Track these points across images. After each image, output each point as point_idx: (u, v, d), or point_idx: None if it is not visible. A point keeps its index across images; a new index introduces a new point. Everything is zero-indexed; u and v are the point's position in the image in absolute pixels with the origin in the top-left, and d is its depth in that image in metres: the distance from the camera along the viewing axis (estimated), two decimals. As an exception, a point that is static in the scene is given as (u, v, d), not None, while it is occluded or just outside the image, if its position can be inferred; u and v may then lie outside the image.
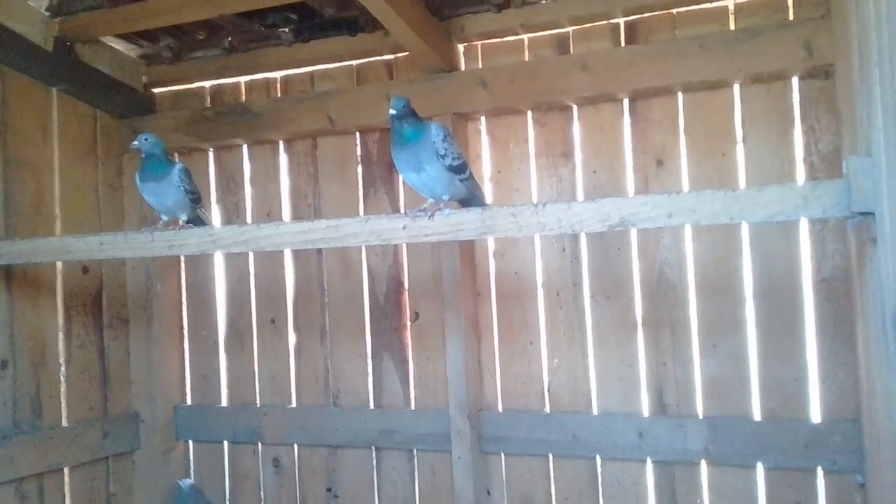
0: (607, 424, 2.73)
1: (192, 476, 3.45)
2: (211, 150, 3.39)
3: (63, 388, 3.11)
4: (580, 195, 2.81)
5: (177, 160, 3.28)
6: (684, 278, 2.66)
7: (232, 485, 3.38)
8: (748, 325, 2.58)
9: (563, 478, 2.84)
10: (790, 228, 2.52)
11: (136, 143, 2.45)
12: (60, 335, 3.11)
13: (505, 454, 2.91)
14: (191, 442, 3.44)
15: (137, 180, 2.48)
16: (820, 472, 2.47)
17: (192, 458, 3.45)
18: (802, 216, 1.66)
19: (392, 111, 2.04)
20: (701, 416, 2.62)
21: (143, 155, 2.46)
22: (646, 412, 2.70)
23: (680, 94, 2.67)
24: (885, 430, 1.76)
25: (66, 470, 3.09)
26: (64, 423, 3.09)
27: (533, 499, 2.88)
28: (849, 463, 2.41)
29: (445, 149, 2.05)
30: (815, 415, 2.50)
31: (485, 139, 2.96)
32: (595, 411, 2.78)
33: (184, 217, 2.48)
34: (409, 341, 3.08)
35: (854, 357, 2.40)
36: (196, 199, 2.51)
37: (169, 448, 3.39)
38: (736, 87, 2.60)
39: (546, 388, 2.86)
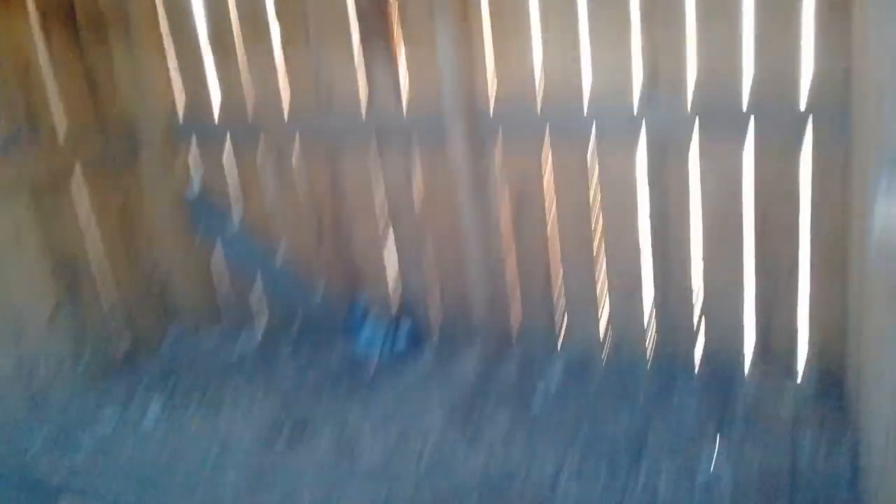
0: (600, 111, 2.78)
1: (196, 185, 3.52)
2: None
3: (54, 102, 3.10)
4: None
5: None
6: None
7: (235, 191, 3.49)
8: (743, 4, 2.48)
9: (557, 168, 2.92)
10: None
11: None
12: (41, 49, 3.03)
13: (500, 146, 2.98)
14: (192, 144, 3.45)
15: None
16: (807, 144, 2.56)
17: (194, 165, 3.49)
18: None
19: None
20: (691, 98, 2.64)
21: None
22: (637, 97, 2.72)
23: None
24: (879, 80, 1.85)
25: (72, 181, 3.19)
26: (61, 137, 3.13)
27: (528, 191, 3.00)
28: (835, 130, 2.47)
29: None
30: (802, 102, 2.51)
31: None
32: (587, 98, 2.79)
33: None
34: (398, 38, 2.99)
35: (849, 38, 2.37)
36: None
37: (170, 157, 3.45)
38: None
39: (539, 78, 2.84)
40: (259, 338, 3.66)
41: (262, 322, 3.72)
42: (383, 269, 3.39)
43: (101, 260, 3.35)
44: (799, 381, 2.81)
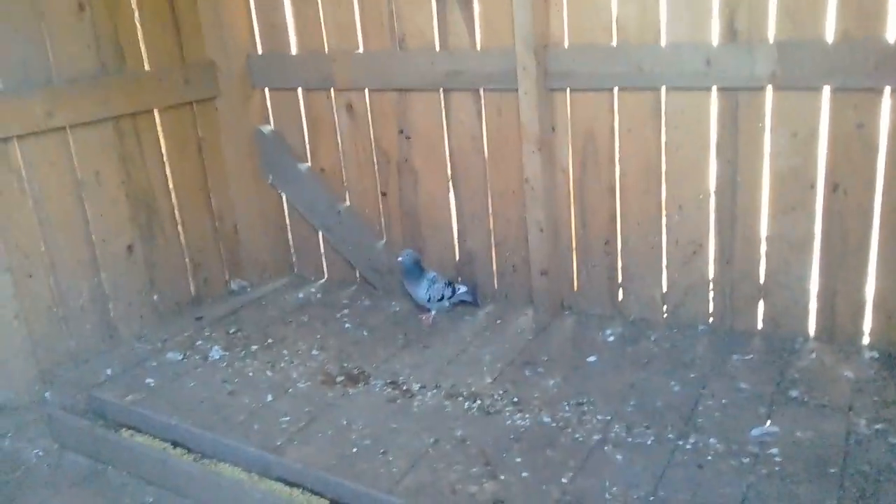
0: (675, 54, 2.71)
1: (270, 123, 3.66)
2: None
3: (140, 33, 3.22)
4: None
5: None
6: None
7: (309, 129, 3.58)
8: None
9: (627, 110, 2.88)
10: None
11: None
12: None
13: (570, 90, 2.95)
14: (266, 90, 3.60)
15: None
16: (886, 91, 2.45)
17: (269, 105, 3.63)
18: None
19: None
20: (771, 41, 2.56)
21: None
22: (715, 39, 2.65)
23: None
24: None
25: (156, 112, 3.31)
26: (146, 67, 3.24)
27: (596, 132, 2.96)
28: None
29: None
30: (892, 34, 2.41)
31: None
32: (663, 41, 2.74)
33: None
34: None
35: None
36: None
37: (247, 95, 3.56)
38: None
39: (614, 19, 2.80)
40: (321, 288, 3.73)
41: (325, 273, 3.79)
42: (447, 224, 3.40)
43: (176, 201, 3.46)
44: (861, 355, 2.68)
